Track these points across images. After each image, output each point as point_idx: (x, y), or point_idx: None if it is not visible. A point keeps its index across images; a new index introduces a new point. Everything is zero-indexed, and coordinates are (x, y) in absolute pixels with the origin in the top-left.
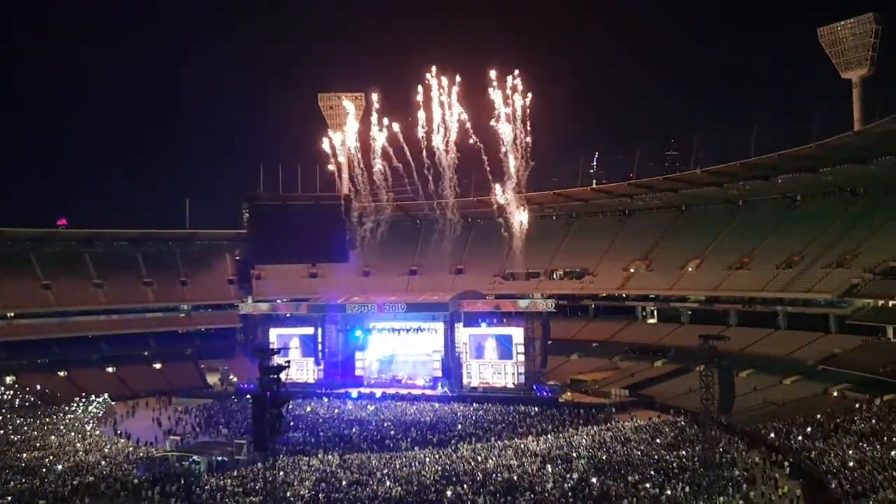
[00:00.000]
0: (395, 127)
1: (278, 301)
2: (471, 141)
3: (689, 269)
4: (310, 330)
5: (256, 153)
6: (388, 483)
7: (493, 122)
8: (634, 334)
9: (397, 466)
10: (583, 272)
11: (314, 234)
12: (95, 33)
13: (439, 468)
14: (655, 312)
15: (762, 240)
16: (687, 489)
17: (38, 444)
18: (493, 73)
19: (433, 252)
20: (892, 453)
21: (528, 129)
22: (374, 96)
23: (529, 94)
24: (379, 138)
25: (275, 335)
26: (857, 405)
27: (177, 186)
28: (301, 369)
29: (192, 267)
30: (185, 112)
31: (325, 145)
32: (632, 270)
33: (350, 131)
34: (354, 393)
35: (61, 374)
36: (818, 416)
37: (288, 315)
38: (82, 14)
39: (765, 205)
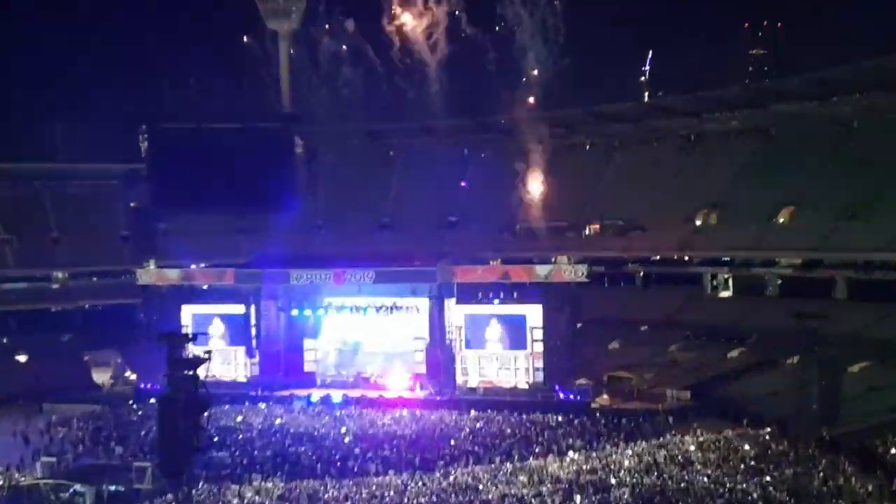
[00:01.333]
0: (359, 18)
1: (193, 267)
2: (468, 35)
3: (781, 221)
4: (239, 308)
5: (161, 59)
6: None
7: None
8: (700, 313)
9: (364, 497)
10: (628, 225)
11: (244, 171)
12: None
13: (424, 500)
14: (731, 282)
15: (887, 177)
16: None
17: None
18: None
19: (414, 197)
20: None
21: (557, 16)
22: None
23: None
24: (336, 35)
25: (189, 315)
26: None
27: (44, 104)
28: (227, 363)
29: (67, 217)
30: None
31: (259, 45)
32: (698, 223)
33: (294, 25)
34: (309, 395)
35: None
36: None
37: (206, 287)
38: None
39: (892, 127)
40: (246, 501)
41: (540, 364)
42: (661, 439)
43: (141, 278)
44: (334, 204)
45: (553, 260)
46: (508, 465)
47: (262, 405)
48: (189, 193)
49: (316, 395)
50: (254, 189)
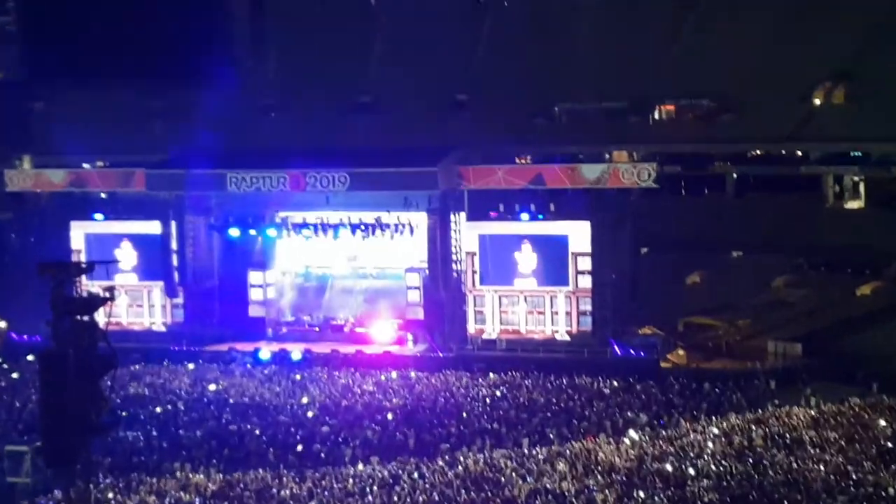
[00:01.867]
0: None
1: (87, 166)
2: None
3: None
4: (153, 226)
5: None
6: None
7: None
8: (818, 232)
9: (336, 494)
10: (716, 106)
11: (158, 27)
12: None
13: (422, 498)
14: (862, 187)
15: None
16: None
17: None
18: None
19: (406, 65)
20: None
21: None
22: None
23: None
24: None
25: (81, 235)
26: None
27: None
28: (138, 304)
29: None
30: None
31: None
32: (817, 101)
33: None
34: (256, 351)
35: None
36: None
37: (106, 196)
38: None
39: None
40: (167, 500)
41: (587, 306)
42: (760, 412)
43: (11, 183)
44: (290, 75)
45: (608, 157)
46: (541, 448)
47: (190, 365)
48: (79, 59)
49: (266, 350)
50: (173, 53)
